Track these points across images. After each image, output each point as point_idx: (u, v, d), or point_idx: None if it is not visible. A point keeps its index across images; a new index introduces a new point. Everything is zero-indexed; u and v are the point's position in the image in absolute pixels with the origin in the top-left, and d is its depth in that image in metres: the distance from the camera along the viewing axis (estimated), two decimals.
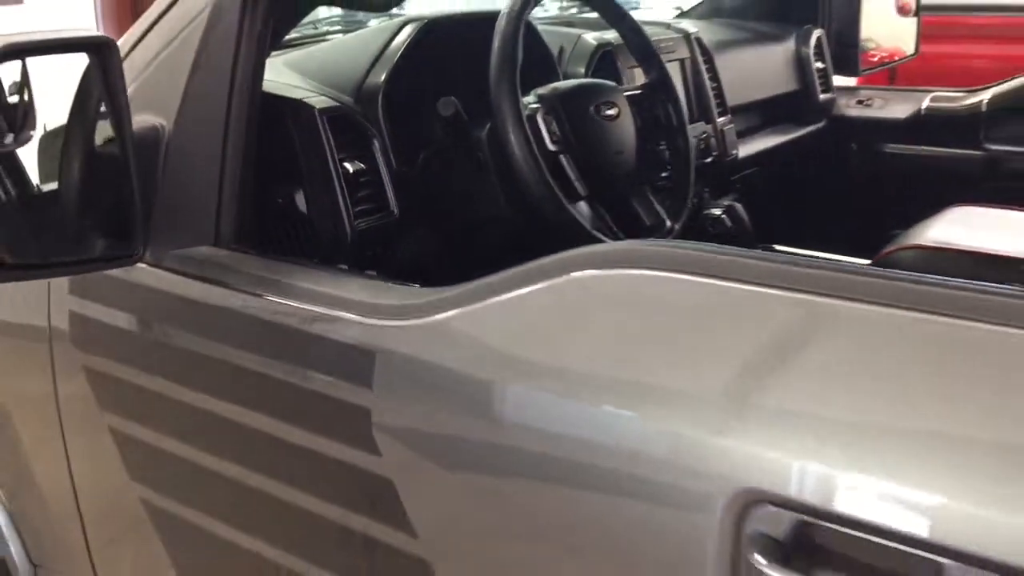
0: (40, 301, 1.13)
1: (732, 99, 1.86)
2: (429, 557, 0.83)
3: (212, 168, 1.01)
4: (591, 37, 1.55)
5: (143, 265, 1.00)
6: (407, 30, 1.26)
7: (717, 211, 1.59)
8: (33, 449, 1.26)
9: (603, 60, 1.54)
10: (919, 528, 0.56)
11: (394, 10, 1.50)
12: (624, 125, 1.29)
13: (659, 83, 1.38)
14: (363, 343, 0.84)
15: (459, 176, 1.25)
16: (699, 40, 1.76)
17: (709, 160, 1.71)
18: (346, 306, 0.86)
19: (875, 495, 0.58)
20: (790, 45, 2.09)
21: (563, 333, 0.77)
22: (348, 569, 0.93)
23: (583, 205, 1.22)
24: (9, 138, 0.95)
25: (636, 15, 2.12)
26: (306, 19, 1.50)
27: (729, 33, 2.06)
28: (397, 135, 1.24)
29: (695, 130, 1.69)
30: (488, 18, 1.21)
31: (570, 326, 0.77)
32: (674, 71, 1.70)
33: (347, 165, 1.14)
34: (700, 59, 1.74)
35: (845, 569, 0.60)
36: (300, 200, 1.14)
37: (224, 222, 1.02)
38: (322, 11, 1.46)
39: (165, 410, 1.03)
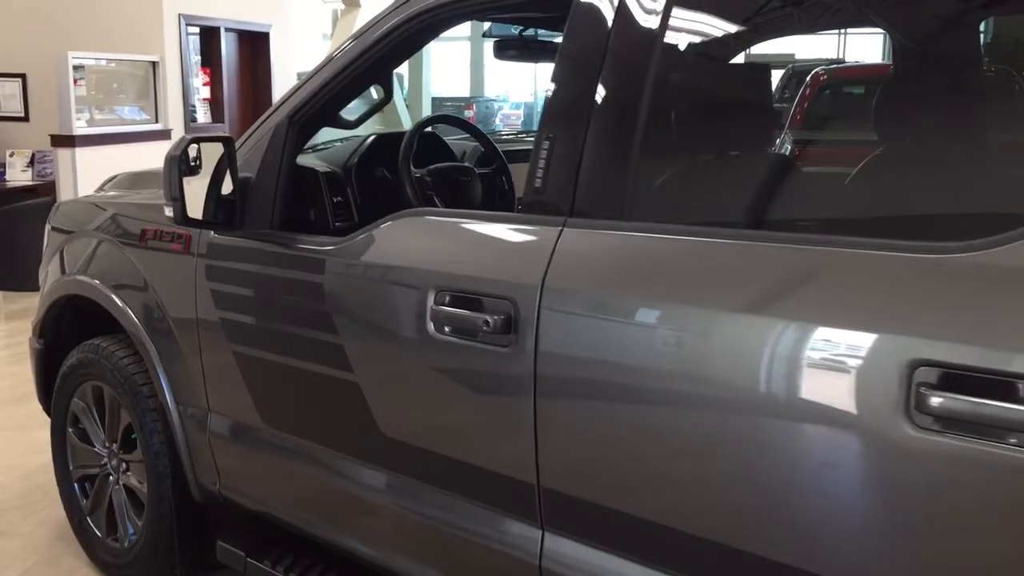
0: (189, 261, 2.48)
1: None
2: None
3: (268, 197, 2.34)
4: (479, 147, 2.92)
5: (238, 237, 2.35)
6: (368, 139, 2.65)
7: None
8: (178, 331, 2.55)
9: (483, 159, 2.91)
10: None
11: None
12: (474, 187, 2.63)
13: (498, 168, 2.73)
14: (319, 258, 2.17)
15: (389, 206, 2.59)
16: None
17: None
18: (315, 244, 2.19)
19: None
20: None
21: (398, 243, 2.07)
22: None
23: None
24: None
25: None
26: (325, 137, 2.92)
27: None
28: (362, 186, 2.59)
29: None
30: (404, 134, 2.58)
31: (399, 240, 2.07)
32: None
33: (334, 197, 2.49)
34: None
35: None
36: (311, 212, 2.48)
37: (275, 219, 2.35)
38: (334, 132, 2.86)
39: (253, 306, 2.35)
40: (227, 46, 9.65)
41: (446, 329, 1.85)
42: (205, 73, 9.41)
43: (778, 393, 1.43)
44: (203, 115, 9.29)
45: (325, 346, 2.12)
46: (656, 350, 1.58)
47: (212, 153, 2.24)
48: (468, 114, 15.77)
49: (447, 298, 1.85)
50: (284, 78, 10.08)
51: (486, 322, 1.75)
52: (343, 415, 2.11)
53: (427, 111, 12.40)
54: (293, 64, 10.54)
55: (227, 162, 2.24)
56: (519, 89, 21.01)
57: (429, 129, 2.76)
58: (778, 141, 2.38)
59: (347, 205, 2.50)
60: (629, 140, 1.73)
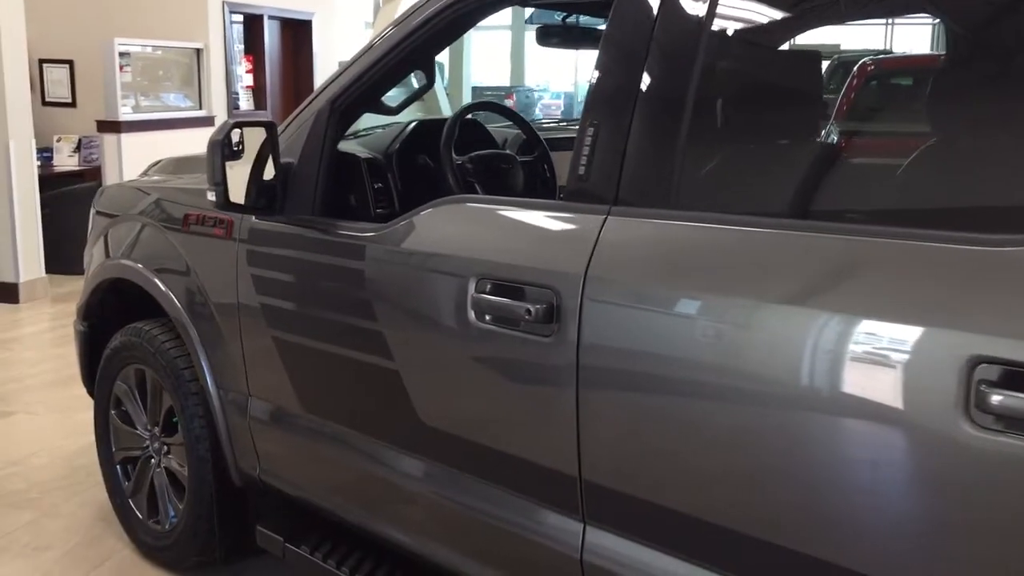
0: (231, 246, 2.49)
1: None
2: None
3: (310, 183, 2.34)
4: (519, 134, 2.90)
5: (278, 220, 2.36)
6: (410, 126, 2.64)
7: None
8: (220, 316, 2.56)
9: (524, 145, 2.89)
10: None
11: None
12: (515, 173, 2.61)
13: (540, 156, 2.71)
14: (359, 244, 2.16)
15: (431, 192, 2.59)
16: None
17: None
18: (356, 231, 2.18)
19: None
20: None
21: (441, 230, 2.06)
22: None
23: None
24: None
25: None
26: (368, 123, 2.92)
27: None
28: (403, 173, 2.59)
29: None
30: (446, 121, 2.57)
31: (441, 227, 2.06)
32: None
33: (375, 183, 2.48)
34: None
35: None
36: (353, 198, 2.47)
37: (316, 205, 2.35)
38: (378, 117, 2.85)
39: (293, 292, 2.35)
40: (270, 34, 9.71)
41: (487, 318, 1.83)
42: (248, 60, 9.48)
43: (828, 388, 1.40)
44: (246, 102, 9.36)
45: (365, 333, 2.12)
46: (701, 342, 1.55)
47: (254, 139, 2.25)
48: (508, 103, 15.76)
49: (488, 286, 1.83)
50: (326, 66, 10.12)
51: (528, 311, 1.73)
52: (383, 403, 2.11)
53: (467, 100, 12.40)
54: (335, 52, 10.58)
55: (269, 147, 2.25)
56: (560, 78, 20.95)
57: (471, 116, 2.75)
58: (825, 131, 2.33)
59: (388, 191, 2.49)
60: (675, 128, 1.70)
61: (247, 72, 9.47)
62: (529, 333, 1.75)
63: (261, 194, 2.23)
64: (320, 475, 2.38)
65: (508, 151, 2.79)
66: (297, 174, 2.28)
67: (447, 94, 10.43)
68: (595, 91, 1.81)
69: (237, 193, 2.22)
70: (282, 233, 2.32)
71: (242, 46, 9.33)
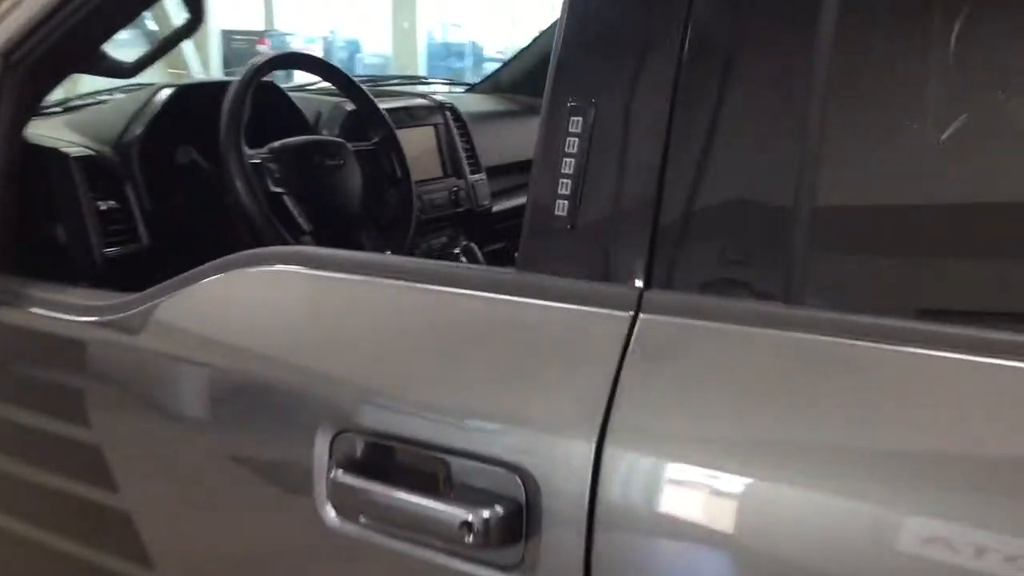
0: None
1: (491, 160, 2.16)
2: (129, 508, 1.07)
3: None
4: (347, 105, 1.83)
5: None
6: (162, 94, 1.53)
7: (456, 250, 1.88)
8: None
9: (355, 123, 1.81)
10: None
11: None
12: (349, 173, 1.57)
13: (385, 140, 1.67)
14: (75, 337, 1.08)
15: (206, 215, 1.51)
16: (452, 109, 2.08)
17: (461, 210, 2.01)
18: (65, 309, 1.10)
19: None
20: None
21: (230, 318, 1.02)
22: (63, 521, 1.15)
23: (308, 239, 1.49)
24: None
25: (423, 88, 2.45)
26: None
27: (500, 105, 2.39)
28: (153, 180, 1.49)
29: (447, 184, 1.99)
30: (228, 85, 1.48)
31: (232, 313, 1.02)
32: (428, 134, 2.00)
33: (100, 203, 1.38)
34: (453, 125, 2.05)
35: None
36: (59, 229, 1.37)
37: None
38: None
39: None
40: None
41: (360, 517, 0.85)
42: None
43: None
44: None
45: (88, 512, 1.08)
46: None
47: None
48: (263, 49, 14.02)
49: (362, 448, 0.85)
50: None
51: (465, 520, 0.77)
52: None
53: (215, 51, 10.61)
54: None
55: None
56: (314, 21, 19.35)
57: (267, 79, 1.65)
58: None
59: (127, 214, 1.42)
60: (796, 134, 0.77)
61: None
62: (460, 557, 0.80)
63: None
64: None
65: (331, 135, 1.73)
66: None
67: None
68: (589, 62, 0.85)
69: None
70: None
71: None
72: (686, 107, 0.80)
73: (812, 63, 0.78)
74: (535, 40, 2.54)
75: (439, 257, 1.91)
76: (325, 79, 1.69)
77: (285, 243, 1.41)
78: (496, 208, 2.13)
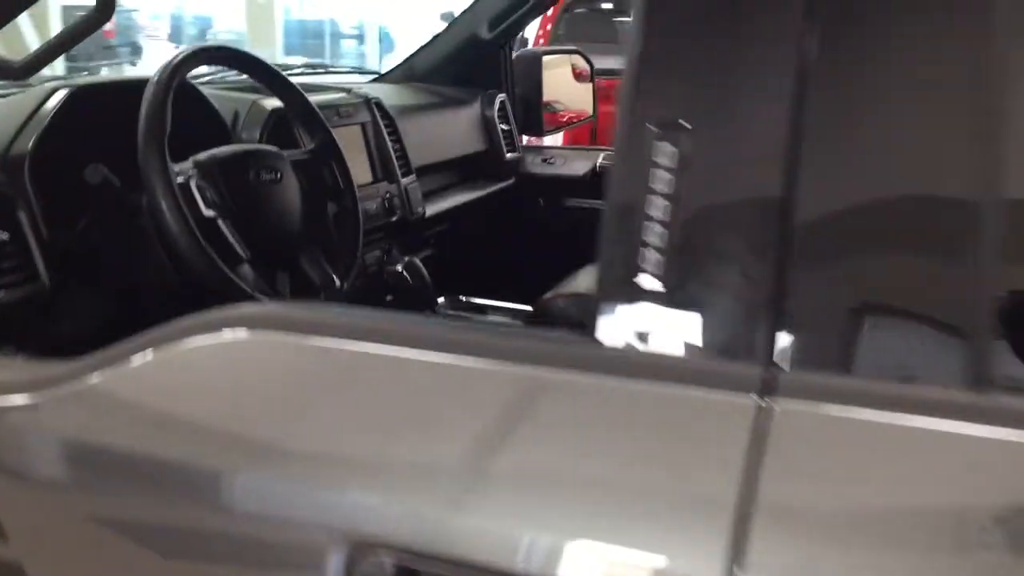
0: None
1: (419, 160, 1.94)
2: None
3: None
4: (267, 102, 1.58)
5: None
6: (56, 97, 1.25)
7: (398, 267, 1.66)
8: None
9: (279, 125, 1.57)
10: None
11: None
12: (287, 188, 1.33)
13: (324, 147, 1.44)
14: None
15: (120, 243, 1.25)
16: (379, 104, 1.84)
17: (395, 219, 1.79)
18: None
19: None
20: (476, 108, 2.22)
21: (178, 398, 0.79)
22: None
23: (246, 268, 1.25)
24: None
25: (327, 79, 2.19)
26: None
27: (419, 97, 2.16)
28: (51, 203, 1.22)
29: (379, 190, 1.76)
30: (141, 85, 1.22)
31: (183, 392, 0.80)
32: (356, 134, 1.77)
33: None
34: (381, 122, 1.82)
35: None
36: None
37: None
38: None
39: None
40: None
41: None
42: None
43: None
44: None
45: None
46: None
47: None
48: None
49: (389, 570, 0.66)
50: None
51: None
52: None
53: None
54: None
55: None
56: None
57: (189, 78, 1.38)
58: None
59: (21, 247, 1.15)
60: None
61: None
62: None
63: None
64: None
65: (251, 139, 1.48)
66: None
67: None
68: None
69: None
70: None
71: None
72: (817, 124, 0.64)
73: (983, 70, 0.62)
74: (452, 25, 2.32)
75: (378, 275, 1.68)
76: (251, 76, 1.43)
77: (222, 274, 1.17)
78: (433, 212, 1.93)
